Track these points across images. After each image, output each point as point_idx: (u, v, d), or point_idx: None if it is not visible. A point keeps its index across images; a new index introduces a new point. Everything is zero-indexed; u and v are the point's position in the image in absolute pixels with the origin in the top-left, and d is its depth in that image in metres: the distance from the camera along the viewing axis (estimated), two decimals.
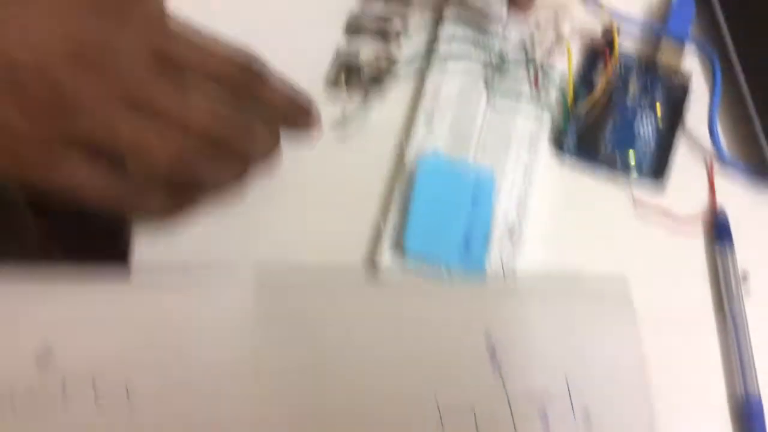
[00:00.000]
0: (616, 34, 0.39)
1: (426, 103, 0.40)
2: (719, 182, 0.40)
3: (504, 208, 0.37)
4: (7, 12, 0.28)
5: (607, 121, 0.40)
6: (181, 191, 0.36)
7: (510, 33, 0.42)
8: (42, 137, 0.29)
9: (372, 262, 0.36)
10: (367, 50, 0.42)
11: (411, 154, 0.38)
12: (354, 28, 0.42)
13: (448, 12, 0.42)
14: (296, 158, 0.39)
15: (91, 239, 1.04)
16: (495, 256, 0.36)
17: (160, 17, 0.31)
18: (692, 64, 0.43)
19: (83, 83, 0.28)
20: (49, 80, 0.28)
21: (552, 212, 0.38)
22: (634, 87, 0.41)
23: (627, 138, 0.40)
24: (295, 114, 0.38)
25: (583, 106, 0.40)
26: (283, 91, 0.36)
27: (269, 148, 0.36)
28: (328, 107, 0.40)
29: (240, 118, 0.33)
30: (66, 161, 0.30)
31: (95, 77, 0.29)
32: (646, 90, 0.41)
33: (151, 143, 0.30)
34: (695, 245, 0.39)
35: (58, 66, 0.28)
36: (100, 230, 1.03)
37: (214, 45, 0.32)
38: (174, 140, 0.31)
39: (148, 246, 0.36)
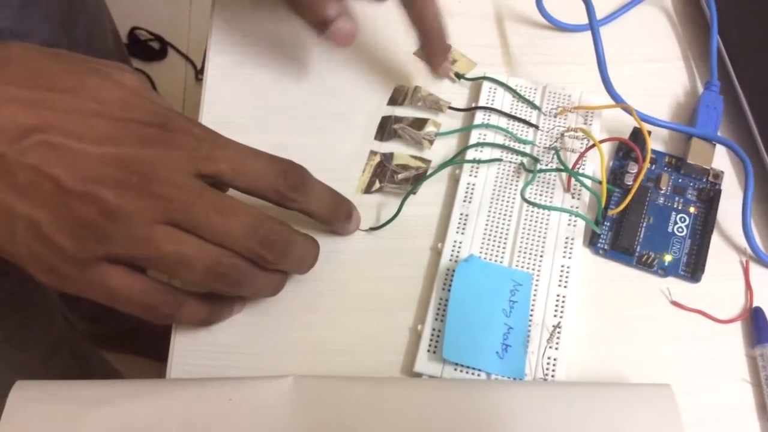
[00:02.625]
0: (647, 136, 0.40)
1: (460, 205, 0.40)
2: (756, 281, 0.40)
3: (542, 311, 0.37)
4: (64, 140, 0.29)
5: (641, 221, 0.40)
6: (217, 301, 0.37)
7: (542, 136, 0.43)
8: (85, 256, 0.30)
9: (409, 369, 0.36)
10: (400, 152, 0.43)
11: (446, 256, 0.39)
12: (387, 130, 0.44)
13: (480, 115, 0.43)
14: (332, 260, 0.40)
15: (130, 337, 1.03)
16: (535, 360, 0.36)
17: (203, 141, 0.32)
18: (722, 163, 0.43)
19: (127, 205, 0.30)
20: (95, 205, 0.29)
21: (589, 314, 0.39)
22: (665, 187, 0.41)
23: (661, 238, 0.40)
24: (335, 219, 0.38)
25: (616, 208, 0.40)
26: (323, 195, 0.37)
27: (307, 262, 0.36)
28: (363, 209, 0.41)
29: (278, 235, 0.33)
30: (105, 274, 0.31)
31: (139, 200, 0.30)
32: (678, 190, 0.42)
33: (188, 254, 0.31)
34: (734, 345, 0.38)
35: (105, 191, 0.29)
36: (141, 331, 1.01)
37: (255, 159, 0.34)
38: (210, 253, 0.32)
39: (187, 354, 0.37)
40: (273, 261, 0.34)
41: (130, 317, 1.04)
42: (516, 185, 0.41)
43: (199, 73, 1.42)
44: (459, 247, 0.39)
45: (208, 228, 0.31)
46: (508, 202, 0.40)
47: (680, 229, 0.40)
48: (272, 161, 0.34)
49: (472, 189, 0.41)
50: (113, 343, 1.06)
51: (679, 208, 0.41)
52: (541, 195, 0.41)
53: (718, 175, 0.42)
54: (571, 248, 0.39)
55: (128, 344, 1.06)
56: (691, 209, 0.41)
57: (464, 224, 0.40)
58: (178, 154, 0.31)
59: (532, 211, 0.40)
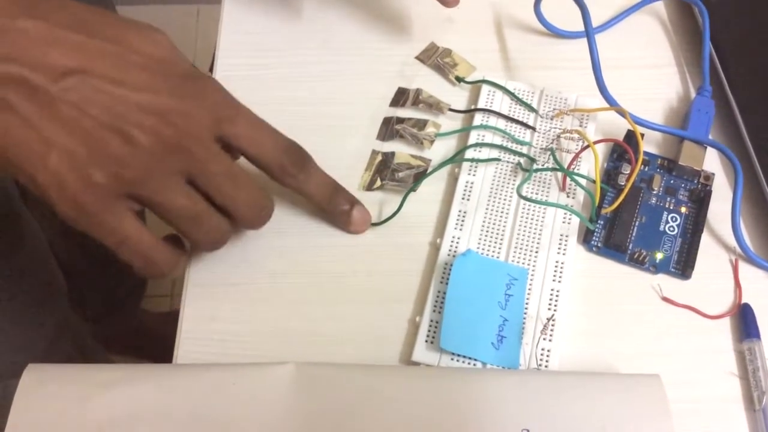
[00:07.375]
0: (640, 138, 0.41)
1: (458, 202, 0.42)
2: (744, 278, 0.41)
3: (536, 305, 0.39)
4: (105, 84, 0.31)
5: (633, 220, 0.42)
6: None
7: (539, 137, 0.44)
8: (112, 189, 0.32)
9: (407, 358, 0.37)
10: (401, 151, 0.44)
11: (444, 251, 0.40)
12: (389, 130, 0.45)
13: (479, 116, 0.45)
14: (334, 253, 0.41)
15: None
16: (529, 351, 0.37)
17: (229, 102, 0.35)
18: (713, 165, 0.44)
19: (162, 153, 0.32)
20: (131, 146, 0.32)
21: (582, 308, 0.40)
22: (658, 187, 0.43)
23: (653, 237, 0.41)
24: (332, 205, 0.41)
25: (610, 206, 0.41)
26: (322, 179, 0.40)
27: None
28: (365, 205, 0.42)
29: (270, 211, 0.37)
30: (122, 215, 0.33)
31: (172, 151, 0.33)
32: (670, 190, 0.43)
33: (201, 216, 0.35)
34: (723, 340, 0.39)
35: (142, 135, 0.32)
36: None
37: (269, 131, 0.37)
38: (220, 226, 0.36)
39: (193, 341, 0.38)
40: (254, 229, 0.38)
41: (132, 319, 1.04)
42: (513, 184, 0.42)
43: None
44: (457, 243, 0.40)
45: (218, 190, 0.34)
46: (505, 200, 0.42)
47: (671, 228, 0.42)
48: (281, 137, 0.37)
49: (471, 187, 0.42)
50: (116, 345, 1.07)
51: (671, 207, 0.42)
52: (537, 194, 0.42)
53: (708, 177, 0.43)
54: (565, 245, 0.40)
55: (130, 346, 1.07)
56: (683, 209, 0.42)
57: (462, 221, 0.41)
58: (206, 112, 0.34)
59: (528, 209, 0.41)
